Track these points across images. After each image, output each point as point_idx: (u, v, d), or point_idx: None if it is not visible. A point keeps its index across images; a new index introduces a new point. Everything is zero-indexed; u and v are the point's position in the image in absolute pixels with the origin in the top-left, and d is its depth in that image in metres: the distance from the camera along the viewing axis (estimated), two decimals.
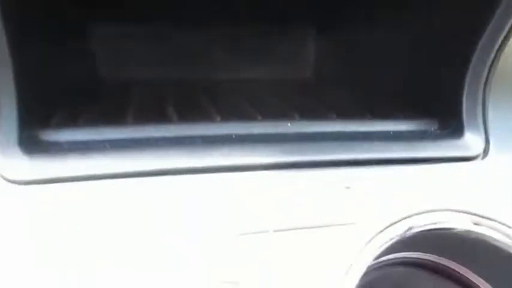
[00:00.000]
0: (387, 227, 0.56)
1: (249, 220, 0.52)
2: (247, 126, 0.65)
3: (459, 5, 0.68)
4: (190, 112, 0.70)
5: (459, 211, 0.57)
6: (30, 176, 0.51)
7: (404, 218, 0.56)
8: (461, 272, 0.71)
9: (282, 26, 1.11)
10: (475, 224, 0.58)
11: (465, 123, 0.69)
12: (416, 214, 0.56)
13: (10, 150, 0.52)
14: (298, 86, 1.07)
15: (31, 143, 0.55)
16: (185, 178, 0.54)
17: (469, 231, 0.59)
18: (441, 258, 0.72)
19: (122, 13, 0.96)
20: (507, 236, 0.59)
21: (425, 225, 0.56)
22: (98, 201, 0.50)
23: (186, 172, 0.54)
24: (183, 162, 0.55)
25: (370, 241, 0.55)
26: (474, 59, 0.67)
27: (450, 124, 0.70)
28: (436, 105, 0.73)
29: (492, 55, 0.66)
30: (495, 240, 0.61)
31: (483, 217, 0.58)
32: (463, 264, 0.70)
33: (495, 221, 0.59)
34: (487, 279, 0.70)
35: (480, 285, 0.70)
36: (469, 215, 0.58)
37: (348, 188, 0.58)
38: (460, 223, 0.57)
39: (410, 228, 0.55)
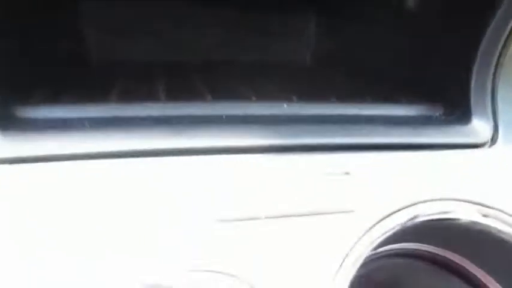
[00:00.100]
0: (388, 215, 0.52)
1: (239, 205, 0.49)
2: (240, 107, 0.61)
3: None
4: (180, 92, 0.66)
5: (467, 201, 0.54)
6: (2, 154, 0.47)
7: (407, 207, 0.53)
8: (463, 265, 0.68)
9: (281, 7, 1.06)
10: (484, 215, 0.54)
11: (473, 109, 0.64)
12: (421, 202, 0.53)
13: None
14: (297, 70, 1.03)
15: (7, 120, 0.51)
16: (170, 160, 0.50)
17: (474, 223, 0.56)
18: (442, 249, 0.69)
19: None
20: None
21: (431, 214, 0.52)
22: (74, 182, 0.46)
23: (171, 153, 0.50)
24: (168, 143, 0.51)
25: (369, 230, 0.51)
26: (484, 40, 0.63)
27: (457, 109, 0.66)
28: (442, 89, 0.68)
29: (504, 36, 0.62)
30: (500, 232, 0.57)
31: (492, 208, 0.54)
32: (465, 256, 0.67)
33: (503, 212, 0.55)
34: (489, 272, 0.66)
35: (481, 278, 0.67)
36: (477, 206, 0.54)
37: (346, 173, 0.54)
38: (468, 214, 0.53)
39: (415, 217, 0.51)
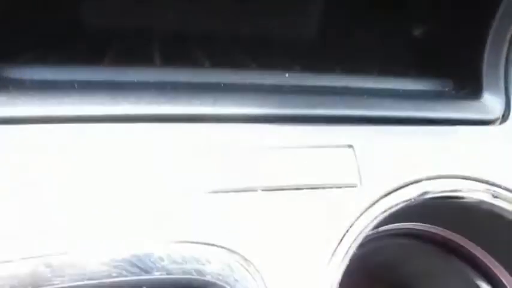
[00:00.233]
0: (392, 191, 0.49)
1: (234, 176, 0.46)
2: (239, 75, 0.58)
3: None
4: (177, 58, 0.62)
5: (476, 180, 0.51)
6: None
7: (413, 183, 0.50)
8: (466, 247, 0.65)
9: None
10: (494, 196, 0.51)
11: (484, 84, 0.61)
12: (427, 179, 0.50)
13: None
14: (301, 42, 0.99)
15: None
16: (162, 126, 0.47)
17: (482, 202, 0.53)
18: (446, 230, 0.67)
19: None
20: None
21: (438, 192, 0.49)
22: (60, 145, 0.43)
23: (164, 120, 0.47)
24: (161, 109, 0.48)
25: (371, 206, 0.48)
26: (499, 13, 0.59)
27: (468, 84, 0.63)
28: (454, 63, 0.65)
29: None
30: (510, 213, 0.54)
31: (503, 188, 0.51)
32: (469, 238, 0.64)
33: None
34: (493, 255, 0.64)
35: (486, 261, 0.64)
36: (487, 185, 0.51)
37: (350, 146, 0.51)
38: (477, 193, 0.51)
39: (420, 194, 0.48)
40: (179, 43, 0.75)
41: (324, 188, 0.48)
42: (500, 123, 0.60)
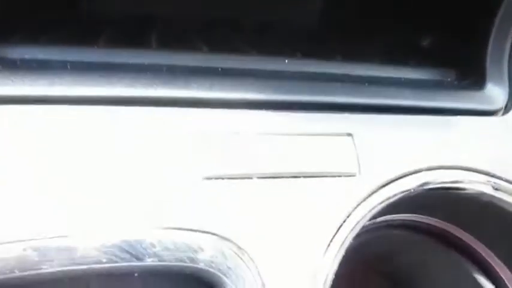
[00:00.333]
0: (391, 181, 0.48)
1: (229, 163, 0.45)
2: (238, 60, 0.56)
3: None
4: (174, 42, 0.61)
5: (477, 171, 0.50)
6: None
7: (412, 173, 0.49)
8: (465, 239, 0.65)
9: None
10: (495, 188, 0.50)
11: (488, 74, 0.60)
12: (427, 170, 0.49)
13: None
14: (302, 30, 0.97)
15: None
16: (157, 110, 0.45)
17: (483, 194, 0.52)
18: (444, 222, 0.66)
19: None
20: None
21: (438, 183, 0.48)
22: (51, 126, 0.42)
23: (159, 103, 0.45)
24: (156, 92, 0.46)
25: (370, 196, 0.47)
26: (504, 2, 0.58)
27: (471, 74, 0.61)
28: (457, 52, 0.64)
29: None
30: (510, 205, 0.53)
31: (504, 180, 0.50)
32: (468, 230, 0.64)
33: None
34: (492, 248, 0.63)
35: (483, 254, 0.64)
36: (488, 177, 0.50)
37: (349, 135, 0.50)
38: (478, 185, 0.50)
39: (420, 185, 0.47)
40: (177, 27, 0.74)
41: (321, 176, 0.47)
42: (503, 114, 0.59)
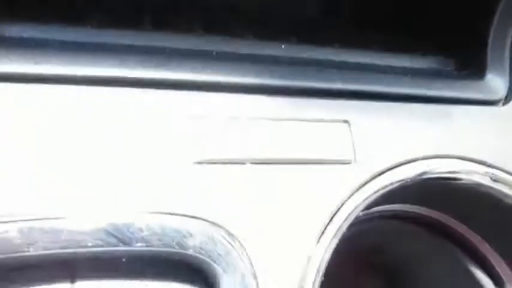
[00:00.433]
0: (387, 170, 0.47)
1: (221, 148, 0.43)
2: (234, 44, 0.55)
3: None
4: (169, 23, 0.59)
5: (475, 161, 0.48)
6: None
7: (409, 162, 0.48)
8: (460, 231, 0.64)
9: None
10: (493, 180, 0.49)
11: (489, 63, 0.59)
12: (424, 159, 0.48)
13: None
14: (301, 15, 0.95)
15: None
16: (147, 92, 0.44)
17: (480, 185, 0.51)
18: (438, 212, 0.65)
19: None
20: None
21: (435, 172, 0.47)
22: (34, 106, 0.40)
23: (149, 84, 0.44)
24: (147, 73, 0.45)
25: (365, 185, 0.46)
26: None
27: (471, 63, 0.60)
28: (457, 41, 0.62)
29: None
30: (508, 197, 0.52)
31: (502, 170, 0.49)
32: (463, 221, 0.63)
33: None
34: (487, 240, 0.62)
35: (478, 245, 0.63)
36: (486, 167, 0.49)
37: (345, 122, 0.48)
38: (476, 175, 0.49)
39: (416, 175, 0.46)
40: (172, 8, 0.72)
41: (316, 163, 0.46)
42: (503, 104, 0.58)
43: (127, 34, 0.51)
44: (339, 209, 0.46)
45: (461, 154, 0.50)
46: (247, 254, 0.41)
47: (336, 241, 0.46)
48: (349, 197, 0.46)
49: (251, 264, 0.42)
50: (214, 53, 0.53)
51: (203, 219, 0.40)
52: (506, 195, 0.51)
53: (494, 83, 0.58)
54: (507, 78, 0.58)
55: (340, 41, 0.65)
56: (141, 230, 0.39)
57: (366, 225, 0.64)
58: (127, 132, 0.42)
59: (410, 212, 0.64)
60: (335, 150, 0.47)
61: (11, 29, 0.48)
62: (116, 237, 0.38)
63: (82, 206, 0.38)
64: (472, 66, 0.60)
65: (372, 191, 0.47)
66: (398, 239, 0.69)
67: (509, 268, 0.60)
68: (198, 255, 0.40)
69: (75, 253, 0.38)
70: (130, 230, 0.39)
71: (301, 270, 0.43)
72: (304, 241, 0.44)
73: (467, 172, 0.50)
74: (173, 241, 0.39)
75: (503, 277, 0.59)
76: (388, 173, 0.46)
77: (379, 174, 0.46)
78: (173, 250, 0.40)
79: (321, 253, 0.44)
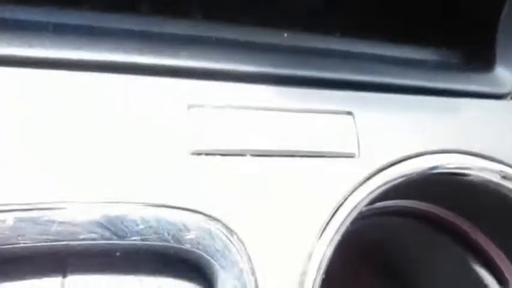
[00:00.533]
0: (392, 164, 0.45)
1: (220, 139, 0.42)
2: (234, 30, 0.53)
3: None
4: (167, 8, 0.57)
5: (483, 157, 0.47)
6: None
7: (415, 157, 0.46)
8: (464, 228, 0.62)
9: None
10: (503, 177, 0.47)
11: (498, 56, 0.57)
12: (430, 153, 0.46)
13: None
14: (304, 4, 0.93)
15: None
16: (144, 79, 0.42)
17: (489, 182, 0.49)
18: (442, 209, 0.63)
19: None
20: None
21: (441, 167, 0.45)
22: (26, 90, 0.38)
23: (144, 71, 0.42)
24: (144, 59, 0.43)
25: (369, 179, 0.44)
26: None
27: (479, 55, 0.58)
28: (465, 32, 0.60)
29: None
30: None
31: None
32: (468, 219, 0.61)
33: None
34: (492, 238, 0.61)
35: (483, 244, 0.61)
36: (495, 164, 0.47)
37: (349, 113, 0.47)
38: (485, 172, 0.47)
39: (422, 169, 0.44)
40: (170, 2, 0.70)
41: (319, 156, 0.44)
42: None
43: (123, 18, 0.49)
44: (341, 204, 0.44)
45: (468, 149, 0.48)
46: (245, 249, 0.40)
47: (338, 237, 0.44)
48: (352, 192, 0.44)
49: (250, 260, 0.40)
50: (213, 38, 0.51)
51: (200, 213, 0.38)
52: None
53: (503, 75, 0.56)
54: None
55: (345, 31, 0.63)
56: (135, 222, 0.37)
57: (368, 220, 0.62)
58: (122, 120, 0.40)
59: (413, 207, 0.63)
60: (338, 142, 0.45)
61: (4, 11, 0.46)
62: (109, 230, 0.36)
63: (74, 197, 0.37)
64: (480, 58, 0.58)
65: (375, 186, 0.45)
66: (400, 235, 0.68)
67: None
68: (194, 249, 0.38)
69: (66, 246, 0.36)
70: (124, 222, 0.37)
71: (301, 266, 0.42)
72: (305, 237, 0.43)
73: (476, 168, 0.48)
74: (169, 235, 0.38)
75: (508, 276, 0.58)
76: (393, 167, 0.45)
77: (384, 169, 0.45)
78: (169, 244, 0.38)
79: (323, 249, 0.43)
